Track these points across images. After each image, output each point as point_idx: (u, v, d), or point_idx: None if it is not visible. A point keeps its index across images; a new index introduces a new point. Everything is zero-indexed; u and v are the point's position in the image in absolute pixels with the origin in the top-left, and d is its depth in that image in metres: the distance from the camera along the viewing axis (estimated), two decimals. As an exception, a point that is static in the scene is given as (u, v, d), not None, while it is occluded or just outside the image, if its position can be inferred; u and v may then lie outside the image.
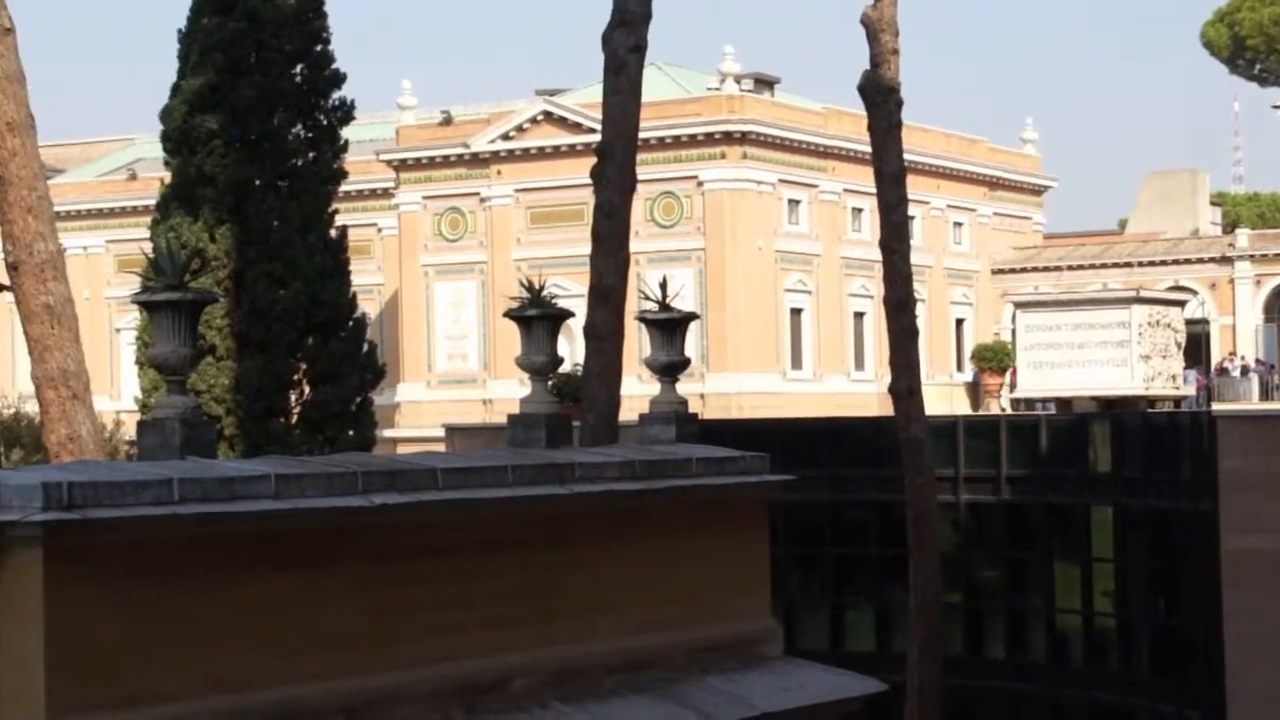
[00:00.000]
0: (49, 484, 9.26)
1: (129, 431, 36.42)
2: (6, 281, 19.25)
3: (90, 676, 9.35)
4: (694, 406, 15.60)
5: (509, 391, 57.47)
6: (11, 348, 62.87)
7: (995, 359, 66.11)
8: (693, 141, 62.75)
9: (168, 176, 34.02)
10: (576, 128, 62.84)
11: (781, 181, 64.27)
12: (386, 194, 68.82)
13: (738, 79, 64.78)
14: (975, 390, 67.51)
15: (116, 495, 9.53)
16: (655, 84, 50.93)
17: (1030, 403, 56.45)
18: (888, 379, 32.03)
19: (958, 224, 72.91)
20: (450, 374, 66.88)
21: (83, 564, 9.35)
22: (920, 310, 35.40)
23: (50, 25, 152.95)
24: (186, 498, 9.83)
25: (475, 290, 66.41)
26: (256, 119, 32.57)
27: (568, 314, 14.05)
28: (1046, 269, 73.37)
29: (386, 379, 37.90)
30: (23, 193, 19.73)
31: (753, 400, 59.62)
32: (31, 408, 30.25)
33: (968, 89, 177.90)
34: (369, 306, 58.13)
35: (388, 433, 55.40)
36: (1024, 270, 73.72)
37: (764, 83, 69.05)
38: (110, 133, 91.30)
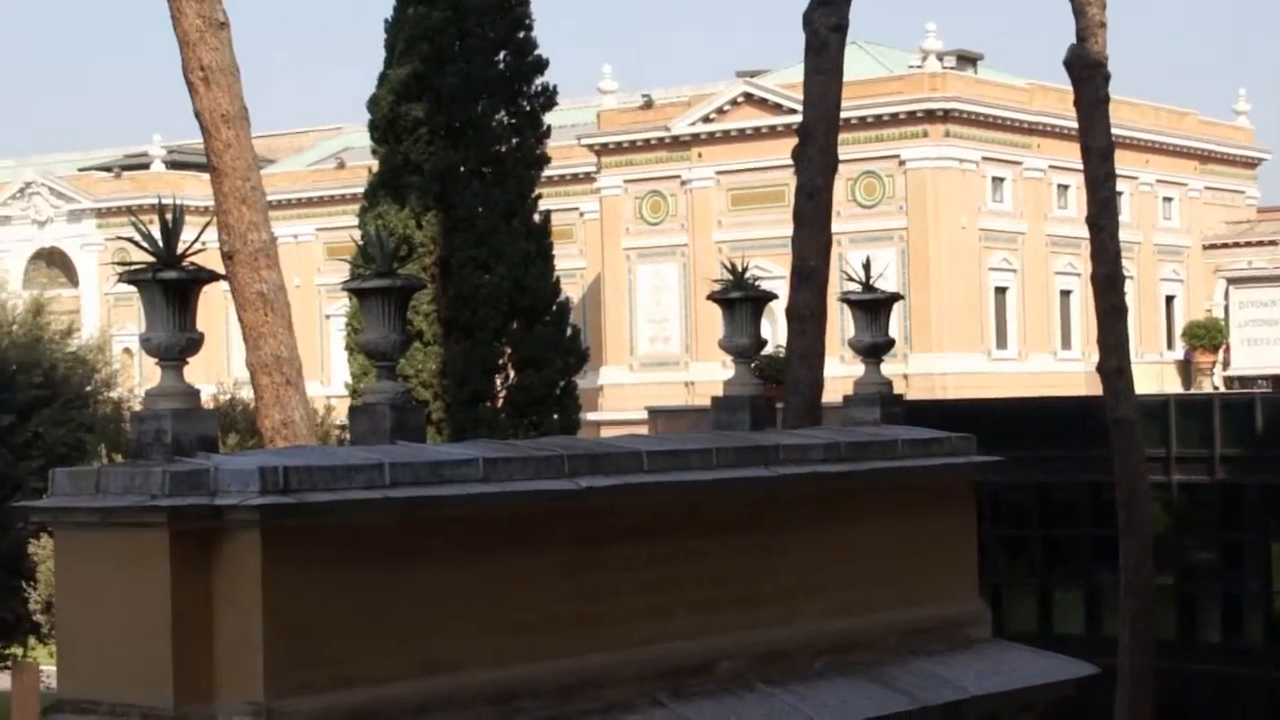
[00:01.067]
0: (265, 468, 9.44)
1: (339, 416, 37.10)
2: (222, 270, 19.66)
3: (306, 658, 9.52)
4: (898, 387, 15.46)
5: (711, 374, 57.51)
6: (226, 335, 64.14)
7: (1207, 336, 64.89)
8: (894, 120, 62.22)
9: (375, 165, 34.50)
10: (777, 109, 62.65)
11: (985, 159, 63.56)
12: (588, 178, 69.18)
13: (940, 56, 64.16)
14: (1187, 368, 66.36)
15: (330, 479, 9.70)
16: (856, 63, 50.60)
17: (1245, 380, 55.34)
18: (1096, 358, 31.52)
19: (1167, 199, 71.53)
20: (652, 357, 67.05)
21: (298, 547, 9.53)
22: (1129, 287, 34.94)
23: (260, 18, 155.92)
24: (397, 481, 9.97)
25: (677, 273, 66.48)
26: (461, 106, 32.89)
27: (770, 296, 14.03)
28: (1260, 244, 71.62)
29: (589, 362, 38.09)
30: (237, 183, 20.13)
31: (957, 381, 59.08)
32: (246, 394, 30.91)
33: (1177, 60, 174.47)
34: (572, 290, 58.50)
35: (591, 416, 55.76)
36: (1237, 245, 72.05)
37: (967, 59, 68.35)
38: (319, 123, 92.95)
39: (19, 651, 38.66)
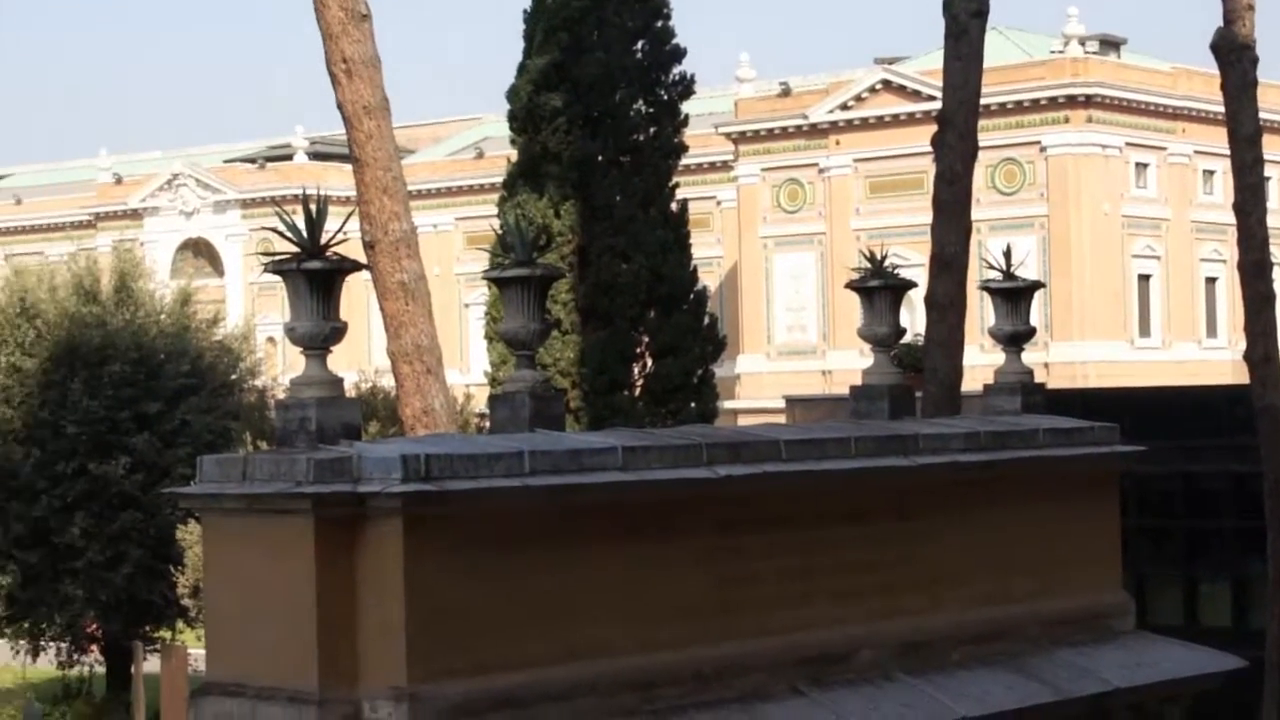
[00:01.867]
0: (407, 456, 9.53)
1: (478, 404, 37.30)
2: (363, 260, 19.85)
3: (448, 643, 9.60)
4: (1039, 376, 15.35)
5: (848, 362, 57.30)
6: (367, 324, 64.77)
7: (1357, 324, 63.68)
8: (1035, 106, 61.65)
9: (514, 154, 34.68)
10: (916, 95, 62.25)
11: (1128, 144, 62.80)
12: (726, 166, 69.10)
13: (1082, 41, 63.49)
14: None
15: (470, 467, 9.76)
16: (996, 48, 50.18)
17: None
18: (1242, 346, 31.02)
19: (1317, 184, 70.29)
20: (789, 345, 66.90)
21: (439, 534, 9.61)
22: (1277, 274, 34.21)
23: (401, 9, 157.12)
24: (537, 469, 10.02)
25: (814, 261, 66.28)
26: (599, 96, 32.97)
27: (910, 284, 13.94)
28: None
29: (726, 351, 38.07)
30: (378, 174, 20.31)
31: (1099, 369, 58.44)
32: (387, 382, 31.15)
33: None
34: (709, 279, 58.49)
35: (728, 404, 55.70)
36: (1386, 231, 70.60)
37: (1109, 44, 67.60)
38: (458, 113, 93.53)
39: (167, 635, 39.26)
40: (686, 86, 34.44)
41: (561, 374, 31.90)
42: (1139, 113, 63.01)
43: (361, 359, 59.44)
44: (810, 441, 11.68)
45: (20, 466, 37.15)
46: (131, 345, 38.41)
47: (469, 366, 68.31)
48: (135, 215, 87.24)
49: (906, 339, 16.20)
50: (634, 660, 10.37)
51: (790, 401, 46.22)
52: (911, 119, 61.51)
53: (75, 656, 40.20)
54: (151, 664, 37.34)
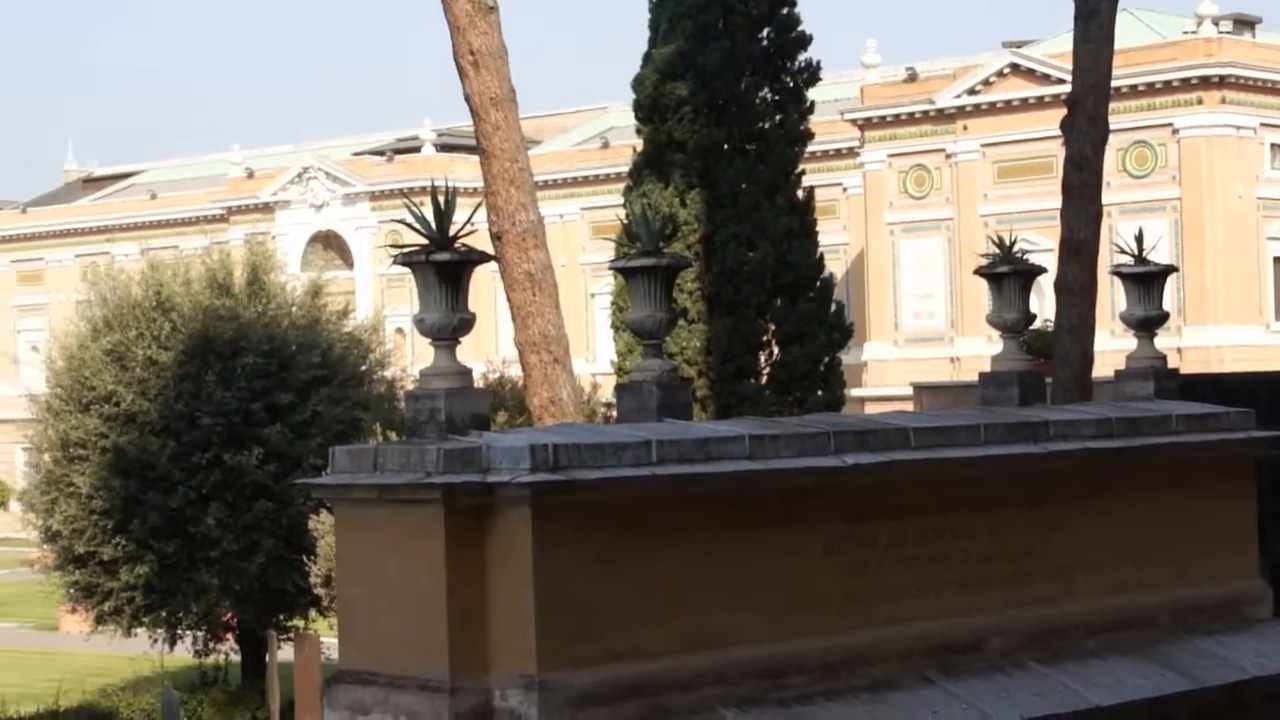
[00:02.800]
0: (535, 446, 9.58)
1: (605, 394, 37.40)
2: (491, 251, 19.97)
3: (576, 632, 9.65)
4: (1171, 361, 15.15)
5: (976, 349, 56.86)
6: (494, 314, 65.13)
7: None
8: (1167, 88, 60.87)
9: (639, 144, 34.72)
10: (1045, 79, 61.71)
11: (1263, 125, 61.88)
12: (852, 153, 68.84)
13: (1215, 20, 62.62)
14: None
15: (598, 456, 9.80)
16: (1127, 29, 49.60)
17: None
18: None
19: None
20: (917, 332, 66.55)
21: (568, 523, 9.66)
22: None
23: (527, 1, 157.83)
24: (664, 459, 10.04)
25: (941, 247, 65.88)
26: (724, 84, 32.93)
27: (1039, 269, 13.84)
28: None
29: (853, 338, 37.92)
30: (505, 165, 20.42)
31: (1233, 354, 57.63)
32: (514, 372, 31.30)
33: None
34: (835, 266, 58.37)
35: (855, 392, 55.49)
36: None
37: (1244, 23, 66.63)
38: (584, 103, 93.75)
39: (300, 624, 39.66)
40: (812, 73, 34.31)
41: (688, 363, 31.91)
42: (1274, 93, 62.08)
43: (489, 349, 59.80)
44: (939, 429, 11.62)
45: (157, 457, 37.65)
46: (264, 337, 38.81)
47: (595, 356, 68.55)
48: (266, 209, 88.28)
49: (1036, 325, 16.06)
50: (761, 649, 10.38)
51: (918, 389, 46.04)
52: (1040, 102, 61.00)
53: (211, 645, 40.68)
54: (285, 652, 37.75)
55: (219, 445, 37.58)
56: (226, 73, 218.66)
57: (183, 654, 41.45)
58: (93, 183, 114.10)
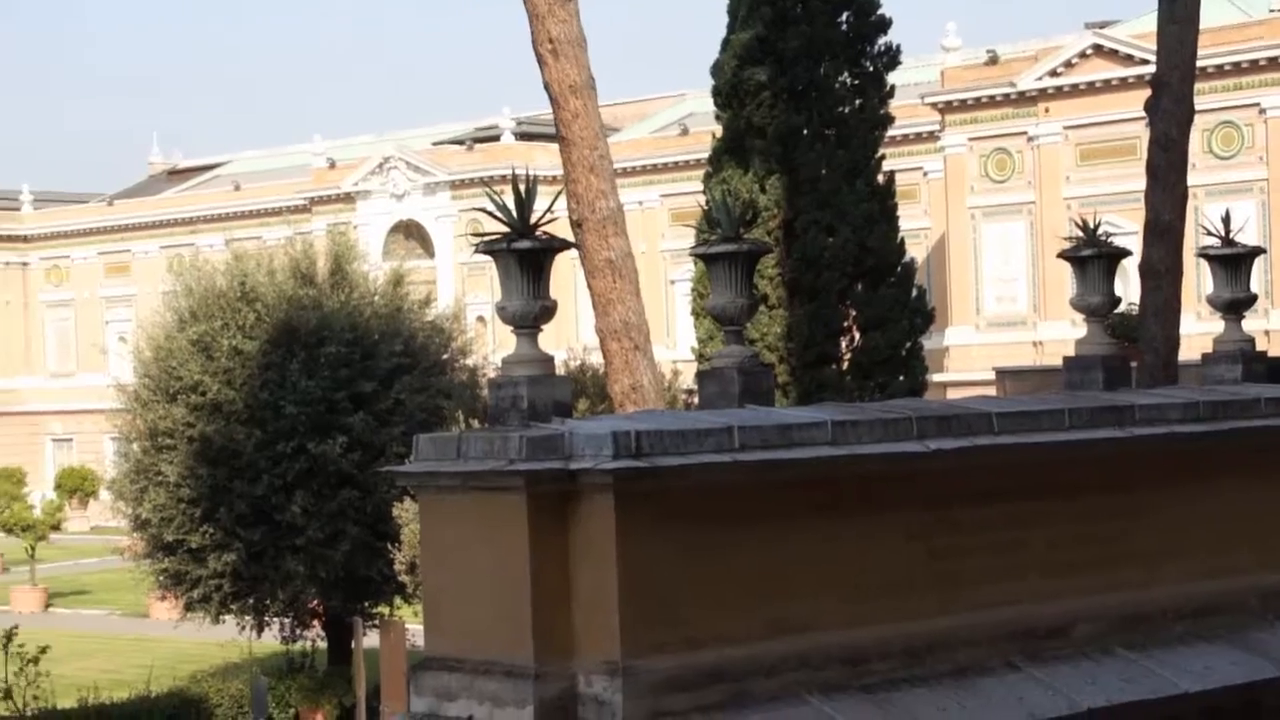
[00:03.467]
0: (618, 433, 9.57)
1: (685, 381, 37.39)
2: (571, 239, 19.98)
3: (659, 618, 9.65)
4: (1259, 344, 14.98)
5: (1060, 333, 56.56)
6: (575, 302, 65.25)
7: None
8: (1254, 67, 60.27)
9: (718, 130, 34.69)
10: (1128, 60, 61.25)
11: (1351, 104, 61.23)
12: (932, 137, 68.58)
13: (1302, -2, 61.99)
14: None
15: (680, 443, 9.79)
16: (1212, 9, 49.01)
17: None
18: None
19: None
20: (999, 316, 66.22)
21: (650, 510, 9.65)
22: None
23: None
24: (747, 445, 10.02)
25: (1023, 231, 65.53)
26: (804, 69, 32.86)
27: (1124, 252, 13.71)
28: None
29: (935, 323, 37.77)
30: (585, 152, 20.46)
31: (1322, 336, 57.12)
32: (595, 359, 31.35)
33: None
34: (916, 251, 58.12)
35: (937, 377, 55.25)
36: None
37: (1331, 1, 65.83)
38: (662, 90, 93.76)
39: (385, 610, 39.91)
40: (892, 57, 34.18)
41: (769, 349, 31.87)
42: (1361, 72, 61.39)
43: (570, 337, 60.02)
44: (1023, 414, 11.55)
45: (243, 446, 37.94)
46: (347, 326, 39.04)
47: (675, 342, 68.54)
48: (348, 199, 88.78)
49: (1121, 308, 15.94)
50: (843, 635, 10.35)
51: (1000, 373, 45.82)
52: (1124, 84, 60.56)
53: (298, 632, 41.00)
54: (370, 639, 37.99)
55: (303, 434, 37.84)
56: (308, 64, 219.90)
57: (270, 640, 41.81)
58: (177, 174, 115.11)
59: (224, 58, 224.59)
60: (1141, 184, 22.44)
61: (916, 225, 65.20)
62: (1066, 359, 13.63)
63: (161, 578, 40.81)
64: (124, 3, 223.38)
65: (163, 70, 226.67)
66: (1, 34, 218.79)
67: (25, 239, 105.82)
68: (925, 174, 70.19)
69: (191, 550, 38.73)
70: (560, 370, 10.64)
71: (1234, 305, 14.05)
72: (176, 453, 38.61)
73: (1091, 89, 63.32)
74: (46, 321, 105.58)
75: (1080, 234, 13.51)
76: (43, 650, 37.09)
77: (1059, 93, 64.25)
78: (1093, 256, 13.33)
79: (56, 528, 70.99)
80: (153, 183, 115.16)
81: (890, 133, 36.25)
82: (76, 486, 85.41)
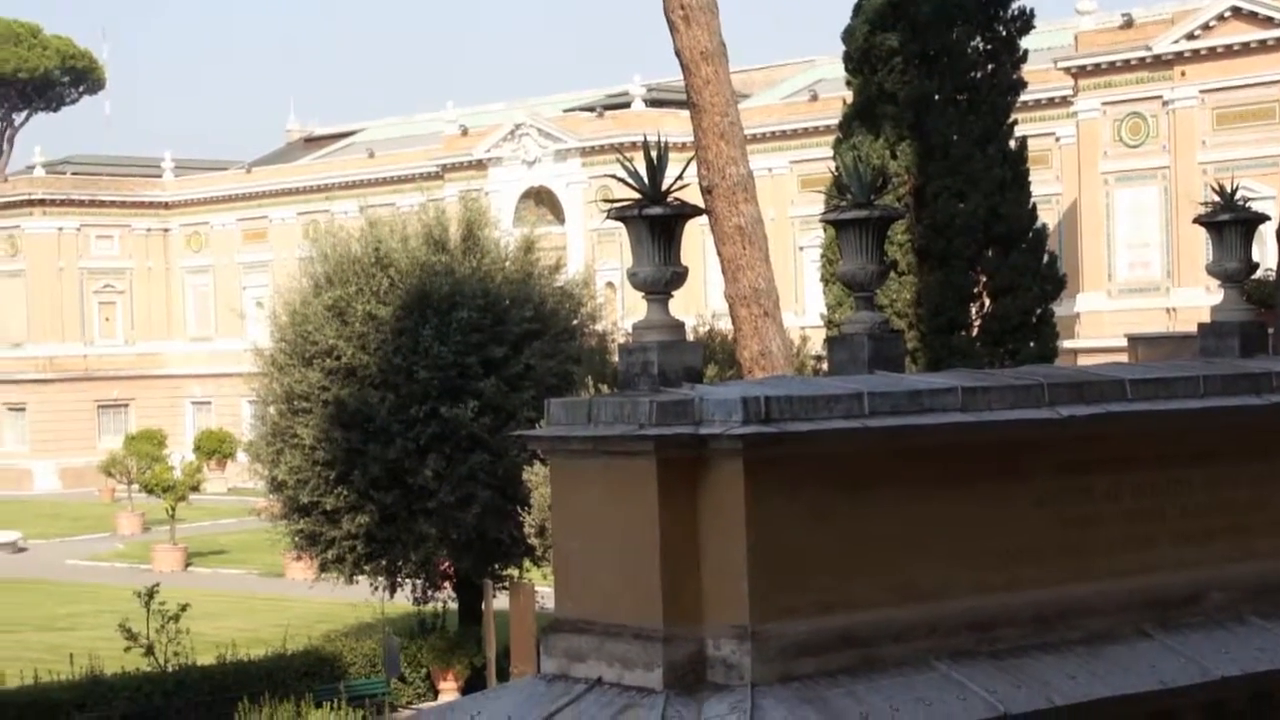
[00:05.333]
0: (748, 399, 9.58)
1: (813, 347, 37.29)
2: (701, 205, 20.00)
3: (788, 583, 9.67)
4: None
5: (1194, 299, 55.81)
6: (704, 268, 65.19)
7: None
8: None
9: (849, 96, 34.49)
10: (1268, 22, 60.25)
11: None
12: (1065, 102, 67.80)
13: None
14: None
15: (810, 409, 9.79)
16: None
17: None
18: None
19: None
20: (1131, 283, 65.46)
21: (780, 475, 9.66)
22: None
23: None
24: (876, 411, 10.00)
25: (1157, 196, 64.66)
26: (935, 34, 32.59)
27: (1263, 217, 13.53)
28: None
29: (1066, 289, 37.38)
30: (715, 119, 20.47)
31: None
32: (724, 325, 31.34)
33: None
34: (1048, 217, 57.46)
35: (1068, 344, 54.74)
36: None
37: None
38: (793, 56, 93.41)
39: (515, 573, 40.15)
40: (1025, 21, 33.81)
41: (898, 315, 31.70)
42: None
43: (699, 303, 59.92)
44: (1157, 380, 11.43)
45: (376, 410, 38.27)
46: (478, 292, 39.23)
47: (804, 309, 68.42)
48: (480, 166, 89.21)
49: (1258, 274, 15.73)
50: (973, 601, 10.32)
51: (1133, 340, 45.06)
52: (1263, 46, 59.64)
53: (429, 593, 41.35)
54: (500, 601, 38.27)
55: (435, 398, 38.11)
56: (441, 32, 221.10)
57: (402, 602, 42.22)
58: (314, 142, 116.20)
59: (359, 26, 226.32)
60: None
61: (1048, 191, 64.55)
62: (1202, 325, 13.47)
63: (297, 539, 41.28)
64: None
65: (300, 38, 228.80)
66: (142, 3, 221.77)
67: (166, 206, 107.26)
68: (1058, 139, 69.44)
69: (326, 512, 39.13)
70: (689, 336, 10.66)
71: (1374, 272, 13.84)
72: (312, 416, 39.01)
73: (1230, 52, 62.31)
74: (186, 287, 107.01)
75: (1217, 199, 13.35)
76: (183, 608, 37.76)
77: (1196, 56, 63.29)
78: (1229, 222, 13.17)
79: (196, 489, 71.97)
80: (289, 150, 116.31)
81: (1023, 98, 35.82)
82: (215, 448, 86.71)
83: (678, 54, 20.55)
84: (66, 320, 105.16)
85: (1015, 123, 34.29)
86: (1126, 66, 65.01)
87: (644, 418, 9.61)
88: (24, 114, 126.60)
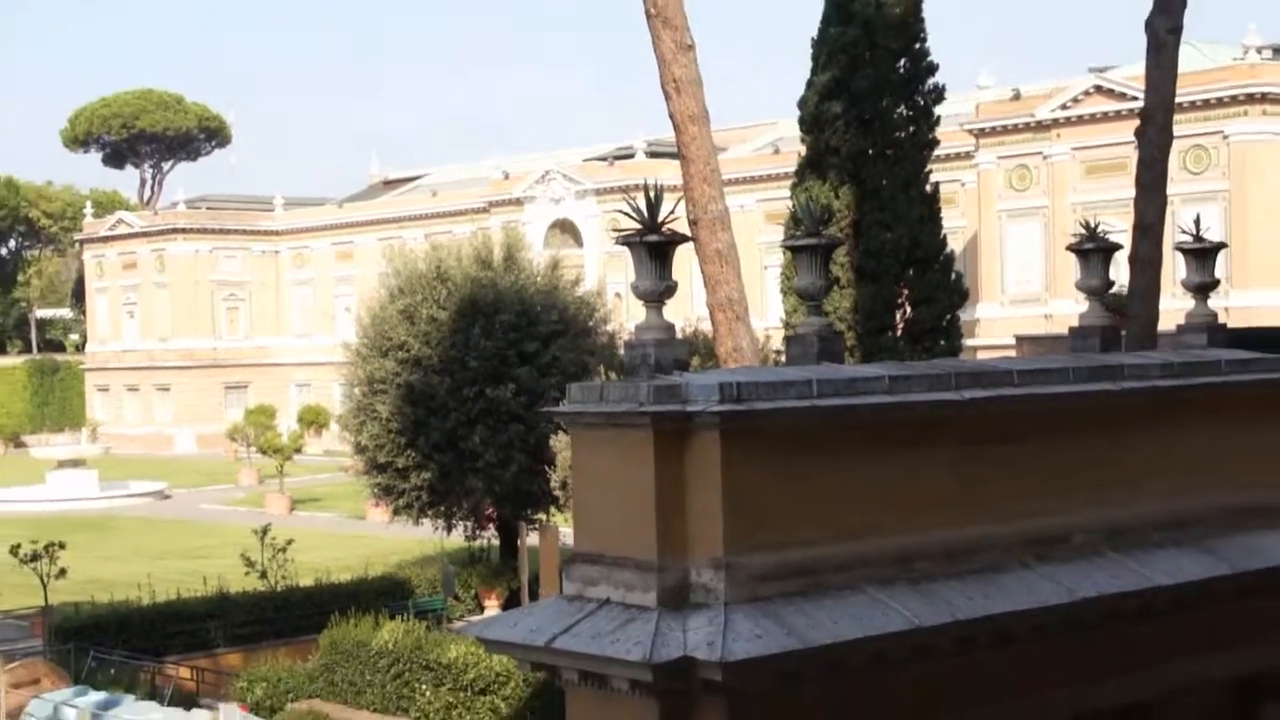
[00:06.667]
0: (724, 383, 9.57)
1: (774, 344, 37.27)
2: (688, 234, 19.95)
3: (754, 526, 9.64)
4: (1221, 318, 14.72)
5: (1067, 309, 55.88)
6: (690, 282, 65.14)
7: None
8: (1219, 103, 59.18)
9: (803, 150, 34.45)
10: (1122, 97, 60.26)
11: (1297, 131, 59.89)
12: (968, 156, 67.83)
13: (1259, 49, 60.67)
14: None
15: (771, 391, 9.77)
16: (1187, 57, 48.14)
17: None
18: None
19: None
20: (1018, 295, 65.50)
21: (748, 442, 9.63)
22: None
23: (716, 37, 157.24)
24: (823, 393, 9.98)
25: (1038, 229, 64.75)
26: (869, 103, 32.56)
27: (1117, 246, 13.53)
28: None
29: (969, 300, 37.36)
30: (700, 167, 20.40)
31: (1271, 312, 55.99)
32: (705, 327, 31.31)
33: None
34: (955, 244, 57.09)
35: (970, 342, 54.73)
36: None
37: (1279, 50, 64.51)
38: (759, 119, 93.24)
39: (543, 517, 40.18)
40: (938, 94, 33.80)
41: (840, 320, 31.69)
42: (1306, 106, 60.08)
43: (686, 310, 59.93)
44: (1037, 370, 11.44)
45: (436, 390, 38.29)
46: (515, 300, 39.23)
47: (766, 314, 68.32)
48: (518, 202, 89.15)
49: (1114, 289, 15.73)
50: (896, 540, 10.30)
51: (1020, 339, 45.23)
52: (1119, 115, 59.61)
53: (477, 532, 41.38)
54: (531, 539, 38.28)
55: (482, 381, 38.15)
56: (489, 98, 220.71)
57: (456, 539, 42.26)
58: (390, 184, 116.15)
59: (427, 95, 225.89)
60: (1132, 193, 22.08)
61: (955, 224, 64.43)
62: (1071, 328, 13.47)
63: (375, 490, 41.31)
64: (346, 47, 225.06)
65: (380, 104, 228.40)
66: (253, 67, 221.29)
67: (277, 233, 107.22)
68: (963, 184, 69.39)
69: (398, 469, 39.15)
70: (679, 335, 10.64)
71: (1202, 288, 13.82)
72: (387, 395, 39.03)
73: (1093, 119, 62.37)
74: (291, 296, 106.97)
75: (1084, 232, 13.35)
76: (289, 542, 37.78)
77: (1068, 122, 63.34)
78: (1093, 249, 13.16)
79: (299, 451, 72.03)
80: (372, 189, 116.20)
81: (936, 153, 35.80)
82: (313, 420, 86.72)
83: (671, 117, 20.49)
84: (200, 321, 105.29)
85: (930, 172, 34.27)
86: (1015, 129, 65.03)
87: (643, 398, 9.59)
88: (170, 163, 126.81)
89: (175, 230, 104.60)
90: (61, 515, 64.84)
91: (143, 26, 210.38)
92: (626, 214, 10.29)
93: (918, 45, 33.48)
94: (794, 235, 11.50)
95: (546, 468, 36.02)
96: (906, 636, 9.83)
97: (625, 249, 10.36)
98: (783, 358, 12.17)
